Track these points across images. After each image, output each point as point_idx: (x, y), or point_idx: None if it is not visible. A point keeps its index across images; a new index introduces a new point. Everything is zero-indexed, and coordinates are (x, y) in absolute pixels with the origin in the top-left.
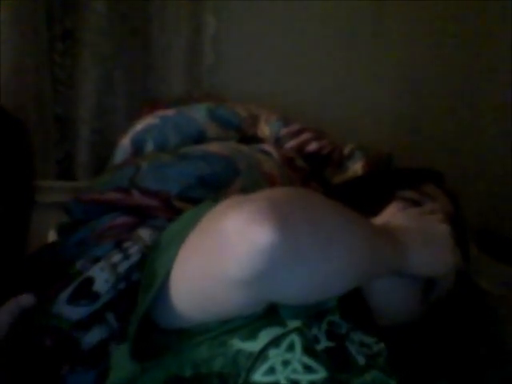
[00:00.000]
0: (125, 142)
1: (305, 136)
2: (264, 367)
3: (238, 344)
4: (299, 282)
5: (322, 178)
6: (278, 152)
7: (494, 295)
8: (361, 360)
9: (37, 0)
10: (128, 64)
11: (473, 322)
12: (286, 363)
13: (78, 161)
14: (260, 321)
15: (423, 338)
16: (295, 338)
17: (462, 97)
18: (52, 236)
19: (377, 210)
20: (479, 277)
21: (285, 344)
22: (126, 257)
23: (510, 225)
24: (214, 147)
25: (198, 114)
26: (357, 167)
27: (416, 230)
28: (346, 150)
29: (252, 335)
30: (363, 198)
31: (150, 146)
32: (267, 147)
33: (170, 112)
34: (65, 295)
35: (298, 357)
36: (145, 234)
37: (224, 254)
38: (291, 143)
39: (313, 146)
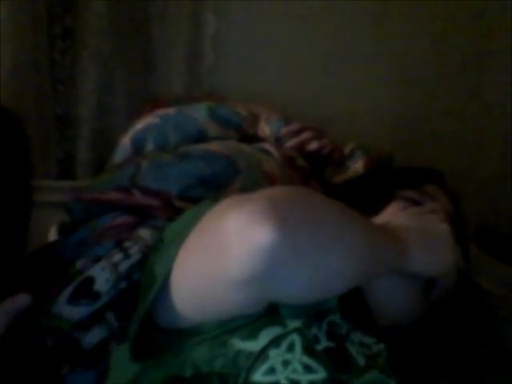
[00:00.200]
0: (125, 142)
1: (305, 135)
2: (264, 367)
3: (238, 344)
4: (299, 281)
5: (323, 177)
6: (279, 151)
7: (494, 295)
8: (361, 360)
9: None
10: (128, 63)
11: (473, 322)
12: (286, 363)
13: (79, 160)
14: (260, 320)
15: (423, 337)
16: (295, 338)
17: (461, 97)
18: (52, 235)
19: (377, 209)
20: (479, 276)
21: (285, 344)
22: (127, 256)
23: (509, 224)
24: (214, 146)
25: (199, 113)
26: (357, 166)
27: (416, 229)
28: (347, 150)
29: (252, 335)
30: (364, 197)
31: (150, 146)
32: (267, 146)
33: (170, 111)
34: (65, 295)
35: (298, 357)
36: (145, 233)
37: (224, 254)
38: (291, 142)
39: (313, 146)
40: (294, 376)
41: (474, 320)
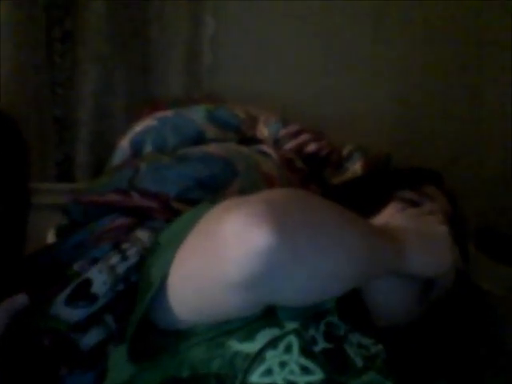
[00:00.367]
0: (124, 144)
1: (303, 137)
2: (261, 369)
3: (235, 345)
4: (297, 284)
5: (321, 178)
6: (277, 153)
7: (493, 295)
8: (358, 361)
9: (36, 1)
10: (127, 65)
11: (473, 322)
12: (283, 364)
13: (78, 162)
14: (257, 322)
15: (422, 338)
16: (293, 340)
17: (461, 97)
18: (51, 238)
19: (375, 210)
20: (478, 277)
21: (282, 345)
22: (125, 258)
23: (509, 224)
24: (212, 148)
25: (197, 115)
26: (356, 168)
27: (415, 230)
28: (345, 151)
29: (249, 336)
30: (362, 198)
31: (148, 148)
32: (266, 148)
33: (168, 113)
34: (63, 297)
35: (296, 358)
36: (143, 235)
37: (222, 257)
38: (290, 144)
39: (312, 147)
40: (291, 377)
41: (473, 320)
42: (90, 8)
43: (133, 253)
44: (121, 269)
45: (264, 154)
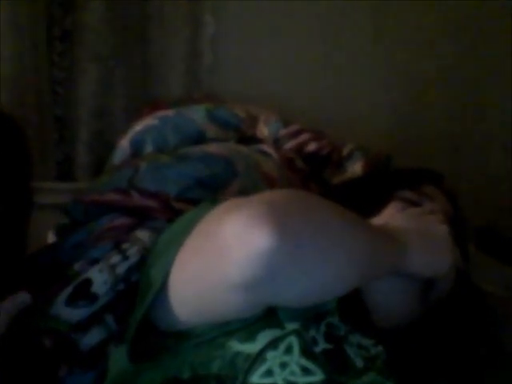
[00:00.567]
0: (124, 143)
1: (304, 137)
2: (262, 369)
3: (235, 346)
4: (298, 285)
5: (321, 178)
6: (277, 153)
7: (493, 295)
8: (359, 362)
9: (36, 1)
10: (127, 65)
11: (473, 322)
12: (283, 365)
13: (78, 162)
14: (258, 323)
15: (422, 338)
16: (293, 340)
17: (461, 98)
18: (51, 237)
19: (376, 210)
20: (478, 277)
21: (283, 346)
22: (125, 258)
23: (509, 224)
24: (212, 148)
25: (197, 115)
26: (356, 168)
27: (415, 230)
28: (345, 151)
29: (250, 337)
30: (362, 198)
31: (149, 147)
32: (266, 148)
33: (169, 113)
34: (63, 297)
35: (296, 359)
36: (143, 235)
37: (223, 258)
38: (290, 144)
39: (312, 147)
40: (292, 378)
41: (473, 320)
42: (89, 8)
43: (133, 252)
44: (121, 268)
45: (264, 153)
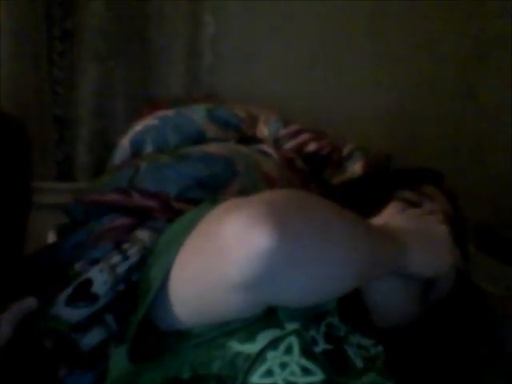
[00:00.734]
0: (124, 143)
1: (304, 136)
2: (262, 369)
3: (236, 346)
4: (298, 285)
5: (321, 178)
6: (277, 153)
7: (493, 295)
8: (359, 362)
9: (36, 1)
10: (127, 65)
11: (473, 322)
12: (283, 365)
13: (78, 162)
14: (258, 323)
15: (422, 338)
16: (293, 341)
17: (461, 97)
18: (51, 237)
19: (375, 210)
20: (478, 277)
21: (283, 346)
22: (125, 258)
23: (509, 224)
24: (212, 148)
25: (197, 114)
26: (356, 168)
27: (415, 230)
28: (345, 151)
29: (250, 337)
30: (362, 198)
31: (149, 147)
32: (266, 148)
33: (169, 113)
34: (63, 297)
35: (296, 359)
36: (143, 235)
37: (223, 258)
38: (290, 144)
39: (312, 147)
40: (292, 378)
41: (473, 320)
42: (89, 8)
43: (133, 252)
44: (121, 268)
45: (264, 153)
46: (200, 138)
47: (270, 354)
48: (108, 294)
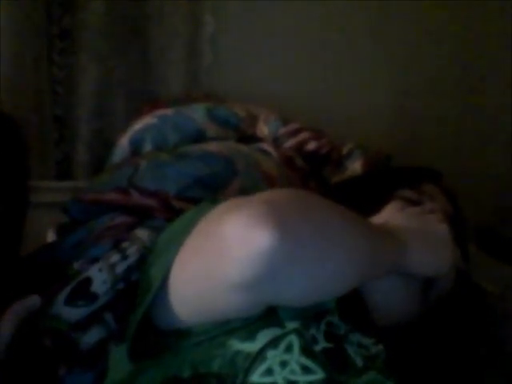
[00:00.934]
0: (123, 142)
1: (303, 135)
2: (262, 368)
3: (236, 345)
4: (299, 284)
5: (321, 177)
6: (277, 151)
7: (493, 294)
8: (359, 361)
9: (36, 0)
10: (127, 64)
11: (472, 322)
12: (283, 364)
13: (77, 161)
14: (258, 322)
15: (422, 338)
16: (293, 339)
17: (461, 97)
18: (51, 236)
19: (375, 209)
20: (478, 276)
21: (283, 345)
22: (124, 257)
23: (509, 224)
24: (212, 147)
25: (197, 113)
26: (355, 166)
27: (415, 229)
28: (345, 150)
29: (250, 336)
30: (362, 197)
31: (148, 146)
32: (266, 147)
33: (168, 112)
34: (63, 296)
35: (296, 358)
36: (143, 234)
37: (224, 258)
38: (290, 143)
39: (311, 146)
40: (292, 377)
41: (473, 320)
42: (89, 7)
43: (133, 251)
44: (121, 268)
45: (264, 152)
46: (200, 137)
47: (270, 353)
48: (107, 293)
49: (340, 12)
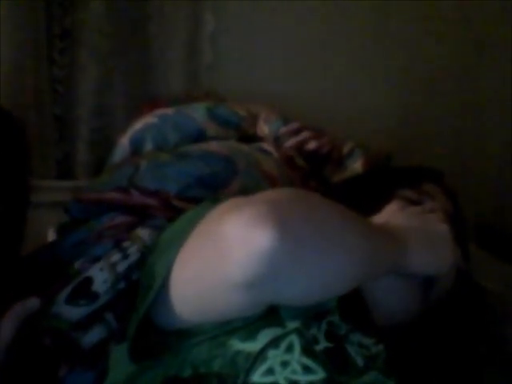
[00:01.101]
0: (123, 142)
1: (304, 135)
2: (263, 368)
3: (237, 344)
4: (300, 284)
5: (322, 176)
6: (278, 151)
7: (493, 293)
8: (360, 361)
9: (36, 0)
10: (127, 63)
11: (472, 321)
12: (284, 364)
13: (78, 160)
14: (259, 321)
15: (423, 337)
16: (294, 339)
17: (462, 97)
18: (51, 236)
19: (376, 208)
20: (479, 275)
21: (284, 345)
22: (125, 256)
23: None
24: (213, 146)
25: (197, 113)
26: (356, 166)
27: (416, 229)
28: (346, 149)
29: (251, 336)
30: (362, 196)
31: (148, 146)
32: (267, 146)
33: (169, 111)
34: (63, 295)
35: (297, 357)
36: (144, 233)
37: (225, 258)
38: (290, 142)
39: (312, 145)
40: (293, 377)
41: (473, 319)
42: (89, 6)
43: (134, 251)
44: (122, 267)
45: (264, 151)
46: (200, 137)
47: (271, 353)
48: (108, 293)
49: (340, 12)
